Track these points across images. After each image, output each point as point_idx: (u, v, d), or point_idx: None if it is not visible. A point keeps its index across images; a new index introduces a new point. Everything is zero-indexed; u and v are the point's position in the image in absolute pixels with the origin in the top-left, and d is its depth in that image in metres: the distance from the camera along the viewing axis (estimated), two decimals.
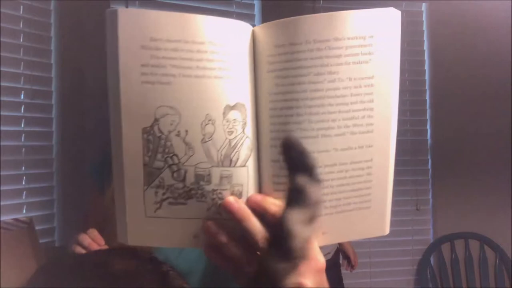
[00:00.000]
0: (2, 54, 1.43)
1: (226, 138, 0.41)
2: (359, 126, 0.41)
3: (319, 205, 0.39)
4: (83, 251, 0.80)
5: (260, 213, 0.41)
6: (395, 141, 0.46)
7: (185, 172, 0.41)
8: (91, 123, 1.65)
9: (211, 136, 0.40)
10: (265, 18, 2.05)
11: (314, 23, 0.39)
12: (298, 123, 0.40)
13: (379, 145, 0.44)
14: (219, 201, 0.42)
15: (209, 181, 0.41)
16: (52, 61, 1.61)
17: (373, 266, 2.23)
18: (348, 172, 0.42)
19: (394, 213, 2.04)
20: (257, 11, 2.06)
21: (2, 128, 1.42)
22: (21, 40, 1.51)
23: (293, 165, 0.38)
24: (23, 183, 1.49)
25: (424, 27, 2.34)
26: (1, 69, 1.43)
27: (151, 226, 0.42)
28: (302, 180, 0.38)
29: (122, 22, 0.38)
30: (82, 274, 0.52)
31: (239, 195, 0.42)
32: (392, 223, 2.03)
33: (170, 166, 0.41)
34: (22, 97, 1.51)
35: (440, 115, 2.33)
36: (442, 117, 2.32)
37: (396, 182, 2.19)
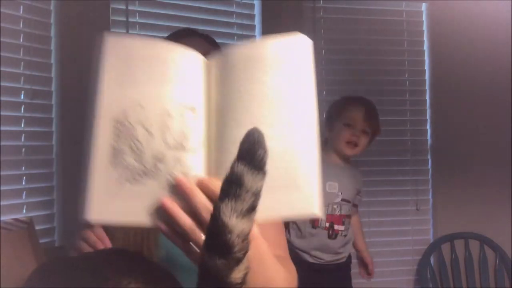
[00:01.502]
0: (2, 54, 1.43)
1: (180, 129, 0.50)
2: (284, 119, 0.50)
3: (257, 196, 0.43)
4: (89, 249, 0.79)
5: (206, 193, 0.48)
6: (315, 135, 0.50)
7: (144, 154, 0.49)
8: (91, 123, 1.65)
9: (168, 127, 0.50)
10: (265, 18, 2.05)
11: (245, 48, 0.54)
12: (235, 117, 0.50)
13: (302, 134, 0.50)
14: (172, 181, 0.49)
15: (163, 163, 0.49)
16: (52, 61, 1.61)
17: (373, 266, 2.23)
18: (277, 156, 0.48)
19: (394, 213, 2.05)
20: (257, 11, 2.06)
21: (2, 128, 1.42)
22: (21, 40, 1.51)
23: (240, 154, 0.43)
24: (23, 183, 1.49)
25: (424, 27, 2.34)
26: (1, 69, 1.43)
27: (112, 204, 0.48)
28: (240, 168, 0.42)
29: (109, 43, 0.52)
30: (87, 272, 0.52)
31: (189, 176, 0.50)
32: (392, 223, 2.05)
33: (132, 149, 0.49)
34: (22, 97, 1.51)
35: (440, 115, 2.33)
36: (442, 117, 2.32)
37: (396, 182, 2.21)
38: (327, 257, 1.77)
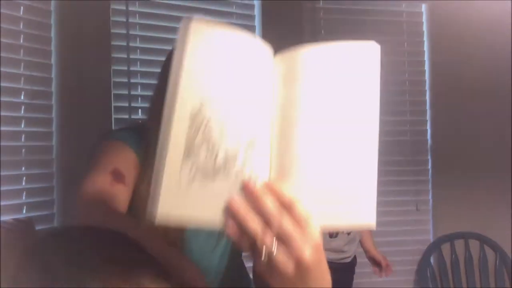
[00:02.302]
0: (2, 54, 1.43)
1: (254, 125, 0.49)
2: (350, 131, 0.50)
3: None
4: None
5: (275, 197, 0.48)
6: (377, 146, 0.51)
7: (218, 152, 0.47)
8: (91, 123, 1.65)
9: (242, 123, 0.48)
10: (265, 19, 2.05)
11: (317, 49, 0.54)
12: (302, 130, 0.49)
13: (367, 146, 0.50)
14: (241, 181, 0.48)
15: (235, 162, 0.48)
16: (52, 61, 1.61)
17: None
18: (339, 162, 0.49)
19: (394, 213, 2.04)
20: (257, 11, 2.07)
21: (2, 128, 1.42)
22: (21, 41, 1.51)
23: None
24: (23, 183, 1.49)
25: (424, 28, 2.34)
26: (1, 69, 1.43)
27: (181, 202, 0.46)
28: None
29: (193, 29, 0.46)
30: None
31: (257, 178, 0.49)
32: (392, 223, 2.04)
33: (207, 146, 0.47)
34: (22, 98, 1.51)
35: (440, 115, 2.33)
36: (442, 117, 2.33)
37: (396, 182, 2.21)
38: (330, 256, 1.77)
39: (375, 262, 1.94)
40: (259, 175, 0.49)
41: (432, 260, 2.29)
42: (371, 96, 0.50)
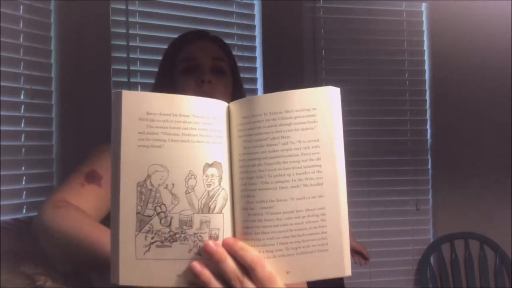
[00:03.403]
0: (2, 54, 1.43)
1: (206, 190, 0.50)
2: (310, 179, 0.49)
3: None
4: None
5: (236, 257, 0.49)
6: (345, 191, 0.50)
7: (171, 218, 0.49)
8: (91, 123, 1.65)
9: (193, 188, 0.50)
10: (265, 18, 2.05)
11: (270, 100, 0.51)
12: (261, 177, 0.50)
13: (330, 195, 0.49)
14: (200, 243, 0.50)
15: (191, 226, 0.50)
16: (52, 61, 1.61)
17: (373, 266, 2.23)
18: (305, 218, 0.49)
19: (394, 213, 2.05)
20: (257, 11, 2.06)
21: (2, 128, 1.42)
22: (21, 40, 1.51)
23: None
24: (23, 183, 1.49)
25: (424, 27, 2.34)
26: (1, 69, 1.43)
27: (140, 267, 0.49)
28: None
29: (125, 100, 0.49)
30: None
31: (216, 237, 0.50)
32: (392, 223, 2.04)
33: (158, 213, 0.49)
34: (22, 97, 1.51)
35: (440, 115, 2.33)
36: (442, 117, 2.32)
37: (396, 182, 2.21)
38: None
39: (355, 252, 1.95)
40: (220, 234, 0.50)
41: (432, 260, 2.29)
42: (333, 139, 0.50)
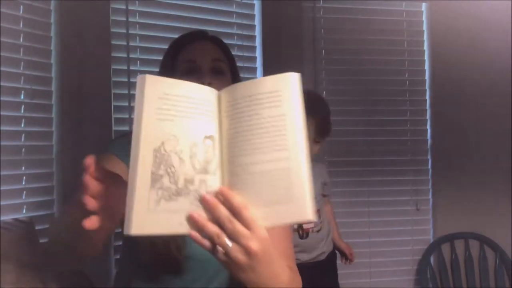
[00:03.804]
0: (2, 54, 1.43)
1: (204, 156, 0.63)
2: (278, 145, 0.62)
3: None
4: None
5: (226, 205, 0.62)
6: (306, 154, 0.61)
7: (178, 178, 0.61)
8: (91, 123, 1.66)
9: (195, 154, 0.63)
10: (265, 18, 2.05)
11: (246, 86, 0.65)
12: (241, 146, 0.63)
13: (294, 157, 0.61)
14: (199, 197, 0.62)
15: (192, 184, 0.62)
16: (52, 61, 1.61)
17: (373, 266, 2.23)
18: (274, 176, 0.62)
19: (394, 213, 2.05)
20: (257, 11, 2.07)
21: (2, 128, 1.42)
22: (21, 40, 1.51)
23: None
24: (23, 183, 1.49)
25: (424, 27, 2.34)
26: (1, 69, 1.43)
27: (150, 218, 0.58)
28: None
29: (148, 82, 0.60)
30: None
31: (211, 193, 0.63)
32: (392, 223, 2.05)
33: (168, 173, 0.60)
34: (22, 97, 1.51)
35: (440, 115, 2.33)
36: (442, 117, 2.33)
37: (396, 182, 2.22)
38: (304, 257, 1.77)
39: (341, 252, 1.98)
40: (213, 190, 0.63)
41: (432, 260, 2.29)
42: (295, 113, 0.62)
